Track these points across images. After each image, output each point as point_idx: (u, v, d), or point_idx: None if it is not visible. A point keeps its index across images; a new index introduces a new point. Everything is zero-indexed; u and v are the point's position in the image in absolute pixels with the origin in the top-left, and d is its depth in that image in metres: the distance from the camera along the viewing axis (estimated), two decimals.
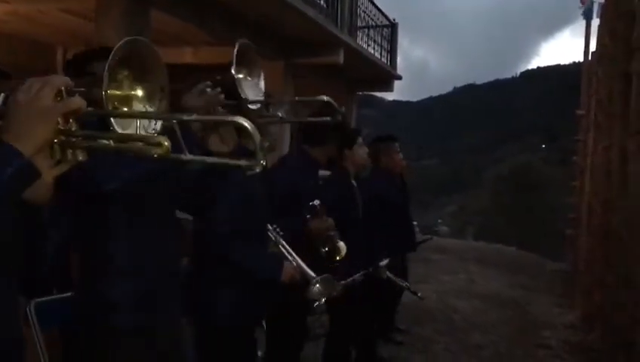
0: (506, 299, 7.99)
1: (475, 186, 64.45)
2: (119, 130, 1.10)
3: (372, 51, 11.92)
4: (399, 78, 13.57)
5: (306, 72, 10.21)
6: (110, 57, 1.09)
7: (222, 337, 2.68)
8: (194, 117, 1.18)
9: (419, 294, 4.88)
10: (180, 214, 2.20)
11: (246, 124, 1.02)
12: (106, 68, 1.08)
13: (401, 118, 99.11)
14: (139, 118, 1.14)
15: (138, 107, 1.17)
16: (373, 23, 12.12)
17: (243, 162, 1.04)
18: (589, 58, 9.84)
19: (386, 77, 13.18)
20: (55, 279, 2.47)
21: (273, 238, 2.94)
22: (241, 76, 1.63)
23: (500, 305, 7.59)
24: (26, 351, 1.44)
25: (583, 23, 12.16)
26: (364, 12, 11.50)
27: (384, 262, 4.22)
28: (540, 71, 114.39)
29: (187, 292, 3.01)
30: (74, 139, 1.09)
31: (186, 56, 9.73)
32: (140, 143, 1.07)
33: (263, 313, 3.00)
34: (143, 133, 1.14)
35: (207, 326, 2.71)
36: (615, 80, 5.04)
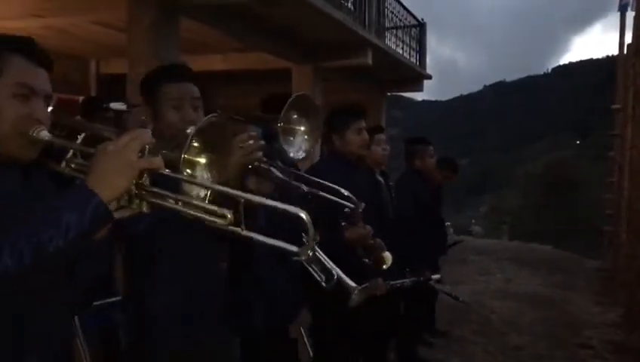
0: (544, 298, 7.85)
1: (507, 185, 63.55)
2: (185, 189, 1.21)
3: (401, 51, 11.84)
4: (429, 77, 13.44)
5: (335, 75, 10.21)
6: (195, 129, 1.20)
7: (258, 339, 2.69)
8: (258, 198, 1.21)
9: (461, 299, 4.80)
10: None
11: (303, 216, 1.09)
12: (190, 137, 1.19)
13: (431, 118, 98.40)
14: (210, 188, 1.20)
15: (200, 173, 1.27)
16: (402, 24, 12.04)
17: (294, 248, 1.13)
18: (625, 51, 9.61)
19: (416, 77, 13.06)
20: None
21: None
22: (302, 129, 1.62)
23: (538, 304, 7.45)
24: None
25: (615, 16, 11.98)
26: (392, 12, 11.43)
27: (437, 276, 4.21)
28: (572, 66, 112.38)
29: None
30: (144, 193, 1.18)
31: (216, 63, 9.83)
32: (207, 212, 1.16)
33: (295, 313, 2.98)
34: (202, 197, 1.22)
35: (243, 328, 2.73)
36: None
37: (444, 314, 6.25)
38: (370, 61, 9.39)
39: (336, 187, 2.62)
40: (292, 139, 1.62)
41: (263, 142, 1.65)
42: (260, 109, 2.69)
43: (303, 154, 1.65)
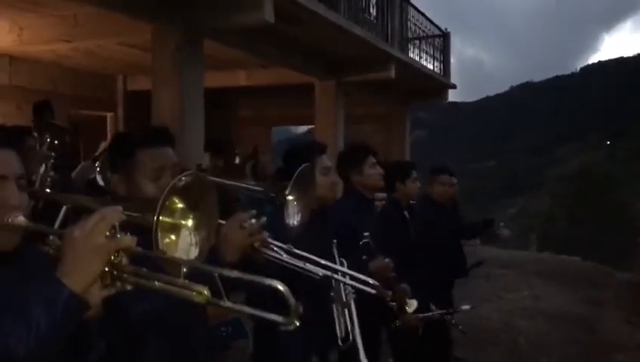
0: (573, 316, 7.69)
1: (536, 188, 62.61)
2: (164, 255, 1.15)
3: (424, 62, 11.78)
4: (453, 87, 13.35)
5: (358, 89, 10.20)
6: (166, 191, 1.12)
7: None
8: (234, 273, 1.16)
9: (460, 327, 4.72)
10: None
11: (281, 288, 1.06)
12: (161, 200, 1.11)
13: (457, 119, 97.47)
14: (184, 264, 1.16)
15: (185, 235, 1.21)
16: (425, 34, 11.97)
17: (280, 319, 1.09)
18: None
19: (440, 87, 13.00)
20: None
21: (344, 299, 2.80)
22: (290, 198, 1.58)
23: (567, 324, 7.30)
24: None
25: None
26: (415, 24, 11.37)
27: (466, 307, 4.18)
28: (601, 65, 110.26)
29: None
30: (123, 274, 1.14)
31: (240, 78, 9.93)
32: (183, 289, 1.11)
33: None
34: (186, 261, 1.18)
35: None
36: None
37: (469, 337, 6.17)
38: (393, 75, 9.36)
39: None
40: (288, 210, 1.60)
41: (264, 220, 1.53)
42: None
43: (299, 219, 1.61)
